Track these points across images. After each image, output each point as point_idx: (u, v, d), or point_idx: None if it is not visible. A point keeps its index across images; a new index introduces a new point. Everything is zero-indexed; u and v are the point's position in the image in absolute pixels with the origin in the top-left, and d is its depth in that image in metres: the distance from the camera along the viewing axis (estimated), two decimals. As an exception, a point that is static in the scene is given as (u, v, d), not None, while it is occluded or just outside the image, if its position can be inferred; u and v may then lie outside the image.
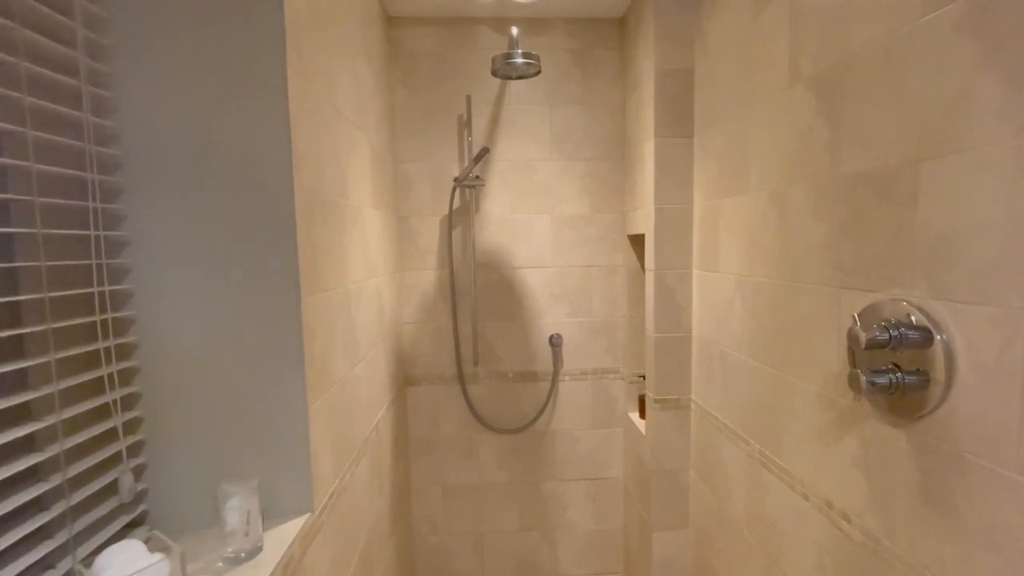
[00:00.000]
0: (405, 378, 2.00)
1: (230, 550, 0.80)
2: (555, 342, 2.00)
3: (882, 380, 0.76)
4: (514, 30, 1.61)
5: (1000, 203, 0.62)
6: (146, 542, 0.72)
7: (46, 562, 0.69)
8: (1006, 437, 0.62)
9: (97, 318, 0.79)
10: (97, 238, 0.80)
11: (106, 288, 0.81)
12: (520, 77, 1.70)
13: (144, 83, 0.84)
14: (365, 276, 1.41)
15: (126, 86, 0.84)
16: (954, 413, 0.69)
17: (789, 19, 1.03)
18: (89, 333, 0.80)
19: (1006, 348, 0.61)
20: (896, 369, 0.76)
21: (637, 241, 1.93)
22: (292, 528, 0.89)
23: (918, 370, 0.74)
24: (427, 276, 1.98)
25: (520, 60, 1.58)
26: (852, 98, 0.86)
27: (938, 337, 0.71)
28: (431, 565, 2.06)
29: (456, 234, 1.97)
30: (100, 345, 0.79)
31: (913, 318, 0.74)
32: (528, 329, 2.02)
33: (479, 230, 1.98)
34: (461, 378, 1.97)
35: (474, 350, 1.98)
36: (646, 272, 1.68)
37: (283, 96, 0.86)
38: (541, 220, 1.98)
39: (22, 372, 0.71)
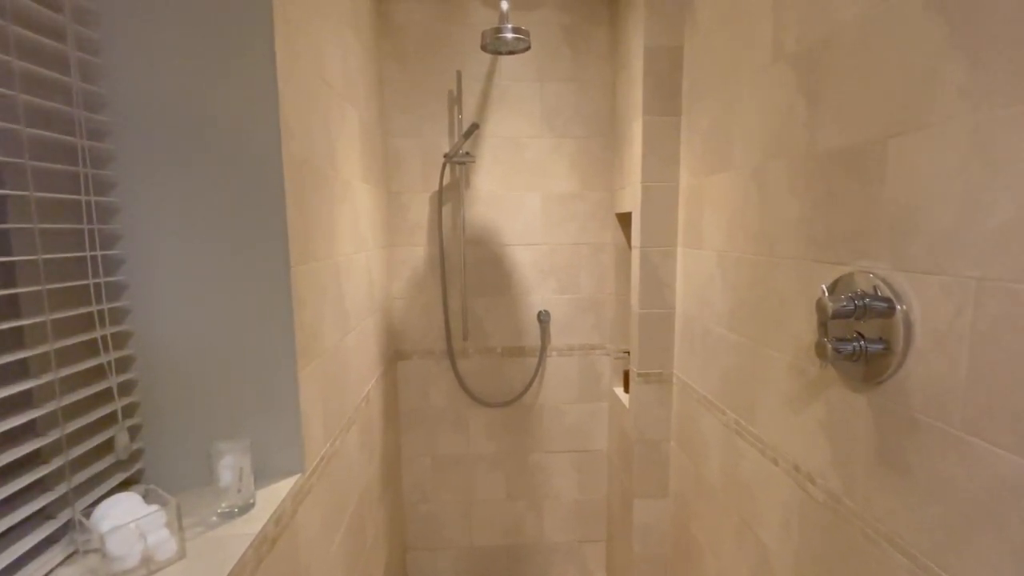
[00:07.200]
0: (395, 352, 2.03)
1: (224, 505, 0.83)
2: (543, 318, 2.04)
3: (847, 348, 0.80)
4: (504, 4, 1.60)
5: (956, 177, 0.65)
6: (143, 496, 0.75)
7: (46, 513, 0.73)
8: (953, 398, 0.66)
9: (90, 281, 0.81)
10: (88, 203, 0.82)
11: (98, 252, 0.83)
12: (510, 52, 1.70)
13: (132, 49, 0.85)
14: (354, 249, 1.43)
15: (114, 52, 0.85)
16: (909, 377, 0.73)
17: (774, -4, 1.05)
18: (82, 297, 0.82)
19: (957, 315, 0.65)
20: (860, 338, 0.80)
21: (624, 219, 1.96)
22: (283, 487, 0.93)
23: (880, 338, 0.78)
24: (417, 252, 2.00)
25: (510, 35, 1.57)
26: (829, 76, 0.89)
27: (899, 307, 0.74)
28: (421, 531, 2.13)
29: (446, 210, 1.99)
30: (94, 308, 0.81)
31: (878, 289, 0.78)
32: (517, 305, 2.05)
33: (469, 207, 1.99)
34: (451, 353, 2.01)
35: (463, 325, 2.01)
36: (632, 249, 1.71)
37: (271, 64, 0.87)
38: (531, 197, 2.00)
39: (18, 332, 0.73)
